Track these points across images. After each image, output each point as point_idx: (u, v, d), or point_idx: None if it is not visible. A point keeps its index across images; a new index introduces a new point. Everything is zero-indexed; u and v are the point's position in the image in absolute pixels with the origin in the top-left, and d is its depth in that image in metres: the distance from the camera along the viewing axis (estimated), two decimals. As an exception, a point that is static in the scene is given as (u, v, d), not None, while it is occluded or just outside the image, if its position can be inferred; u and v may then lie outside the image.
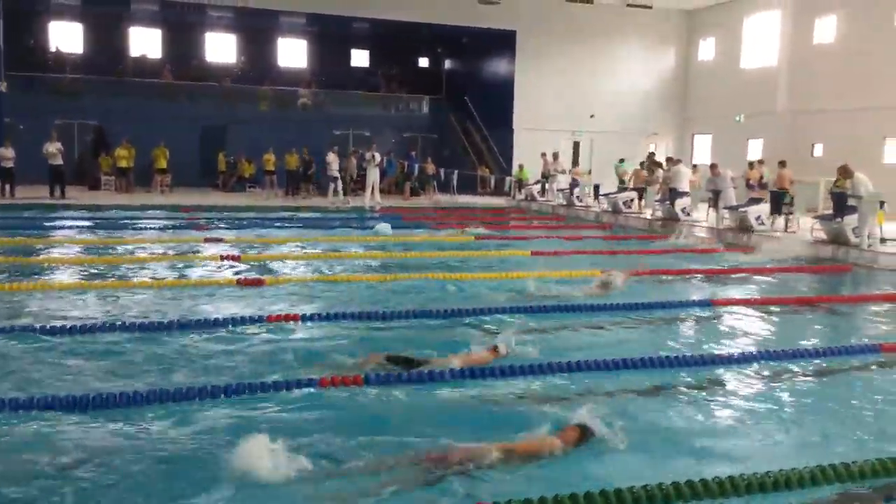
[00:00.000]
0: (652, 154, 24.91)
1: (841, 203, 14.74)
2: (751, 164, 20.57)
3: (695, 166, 22.89)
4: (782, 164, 18.80)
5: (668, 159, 21.71)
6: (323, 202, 23.57)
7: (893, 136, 22.36)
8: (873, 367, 6.85)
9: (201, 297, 8.96)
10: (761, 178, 19.58)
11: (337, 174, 24.36)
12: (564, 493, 3.83)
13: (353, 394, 5.55)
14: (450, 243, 14.86)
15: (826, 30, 25.06)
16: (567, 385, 5.93)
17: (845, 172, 14.37)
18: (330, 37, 33.68)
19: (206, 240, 14.09)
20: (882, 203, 14.87)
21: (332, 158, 24.41)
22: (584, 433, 4.70)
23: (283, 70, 34.02)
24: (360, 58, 36.01)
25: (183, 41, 32.53)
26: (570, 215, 22.71)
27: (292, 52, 34.78)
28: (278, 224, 17.80)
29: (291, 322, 7.58)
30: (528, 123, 29.45)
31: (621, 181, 23.85)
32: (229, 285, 9.61)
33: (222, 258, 11.80)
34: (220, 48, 33.71)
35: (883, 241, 14.30)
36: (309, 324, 7.59)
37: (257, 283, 9.75)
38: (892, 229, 15.04)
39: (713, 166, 18.69)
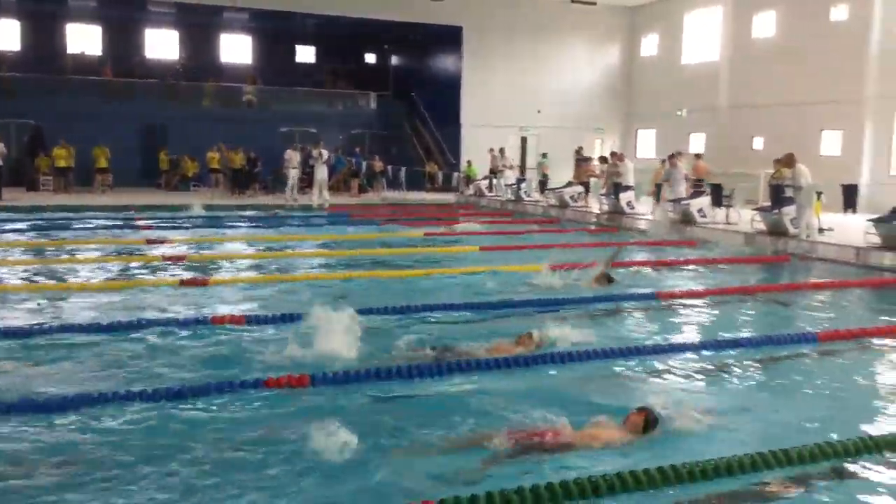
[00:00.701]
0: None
1: (778, 195, 15.11)
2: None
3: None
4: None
5: (613, 154, 22.04)
6: (273, 200, 23.29)
7: (830, 128, 22.99)
8: (811, 355, 7.04)
9: (143, 298, 8.78)
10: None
11: (296, 171, 24.11)
12: (511, 488, 3.86)
13: (303, 394, 5.52)
14: (398, 240, 14.86)
15: (765, 25, 25.65)
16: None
17: (790, 161, 14.65)
18: (275, 33, 33.30)
19: (149, 241, 13.83)
20: (819, 194, 15.36)
21: (291, 155, 24.17)
22: (649, 419, 4.74)
23: (226, 66, 33.54)
24: (305, 54, 35.69)
25: (123, 37, 31.82)
26: (519, 210, 22.86)
27: (236, 49, 34.31)
28: (224, 223, 17.57)
29: (236, 323, 7.47)
30: (475, 119, 29.56)
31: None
32: (171, 286, 9.44)
33: (165, 259, 11.61)
34: (162, 44, 33.08)
35: (821, 231, 14.73)
36: (255, 325, 7.50)
37: (202, 283, 9.62)
38: (829, 220, 15.51)
39: (671, 157, 19.08)
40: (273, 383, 5.57)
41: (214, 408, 5.22)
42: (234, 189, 25.88)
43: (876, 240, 13.13)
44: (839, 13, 22.79)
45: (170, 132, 28.18)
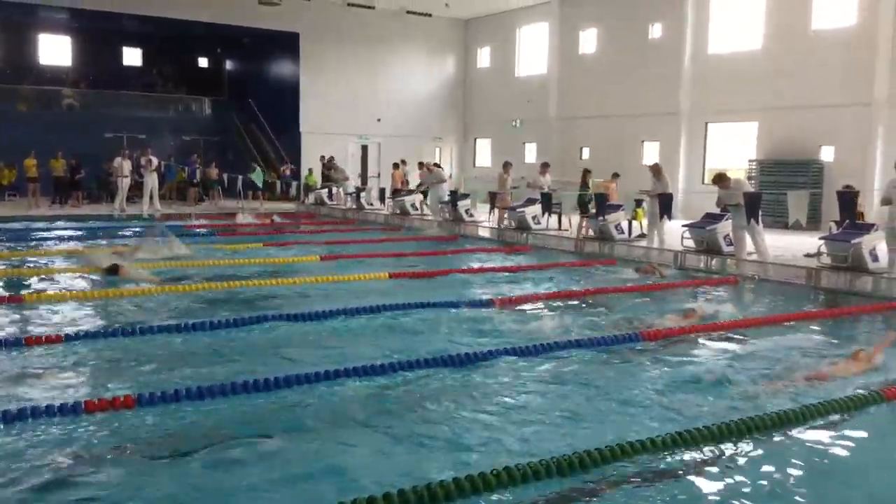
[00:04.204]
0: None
1: (602, 204, 15.99)
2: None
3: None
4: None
5: (436, 165, 22.92)
6: (97, 210, 22.00)
7: (650, 139, 24.56)
8: (634, 353, 7.46)
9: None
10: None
11: (127, 180, 22.85)
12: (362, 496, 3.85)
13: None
14: (240, 251, 14.47)
15: (589, 41, 27.04)
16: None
17: (656, 171, 15.62)
18: (97, 33, 31.52)
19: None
20: (640, 202, 16.46)
21: (121, 163, 22.89)
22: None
23: (44, 68, 31.42)
24: (132, 56, 34.06)
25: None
26: (360, 219, 22.84)
27: (55, 49, 32.17)
28: (43, 235, 16.40)
29: (54, 343, 6.99)
30: (315, 127, 29.23)
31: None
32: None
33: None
34: (-31, 43, 30.52)
35: (641, 236, 15.80)
36: (74, 344, 7.04)
37: (16, 301, 8.94)
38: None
39: (544, 165, 19.89)
40: (94, 406, 5.24)
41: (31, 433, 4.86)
42: (55, 199, 24.22)
43: (691, 244, 14.16)
44: (655, 31, 24.42)
45: (-20, 137, 25.96)
